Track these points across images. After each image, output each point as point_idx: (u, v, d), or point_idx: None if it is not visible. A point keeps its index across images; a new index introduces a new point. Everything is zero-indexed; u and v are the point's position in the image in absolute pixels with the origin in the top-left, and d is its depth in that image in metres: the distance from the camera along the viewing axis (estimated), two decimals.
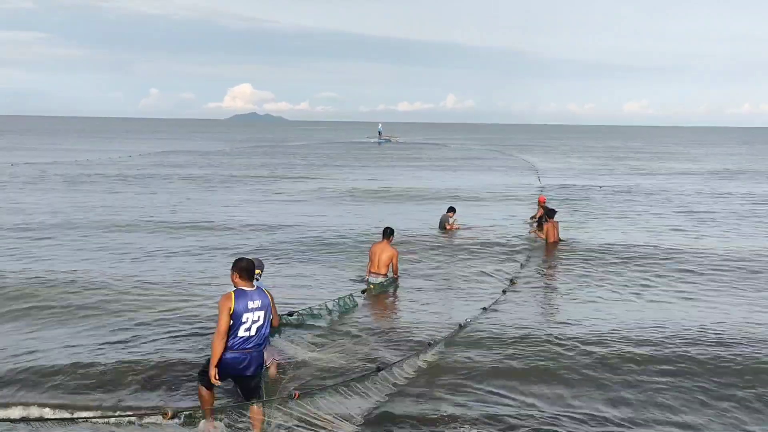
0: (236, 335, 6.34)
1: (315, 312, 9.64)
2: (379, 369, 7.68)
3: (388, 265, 12.71)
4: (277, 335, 8.29)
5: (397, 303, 12.19)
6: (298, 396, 6.43)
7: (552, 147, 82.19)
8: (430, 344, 8.87)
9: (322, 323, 9.98)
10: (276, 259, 15.27)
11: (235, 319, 6.32)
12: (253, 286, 6.55)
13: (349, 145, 78.76)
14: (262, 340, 6.56)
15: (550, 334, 9.87)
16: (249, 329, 6.37)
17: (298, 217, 21.90)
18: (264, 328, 6.52)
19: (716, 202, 27.45)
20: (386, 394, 7.45)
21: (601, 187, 31.84)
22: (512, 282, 13.15)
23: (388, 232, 13.04)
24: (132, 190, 28.96)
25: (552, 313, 11.59)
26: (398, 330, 10.22)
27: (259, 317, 6.43)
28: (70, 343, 9.43)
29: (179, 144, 76.24)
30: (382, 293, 12.40)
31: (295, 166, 45.43)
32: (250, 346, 6.43)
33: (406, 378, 7.87)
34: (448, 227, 18.89)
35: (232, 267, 6.55)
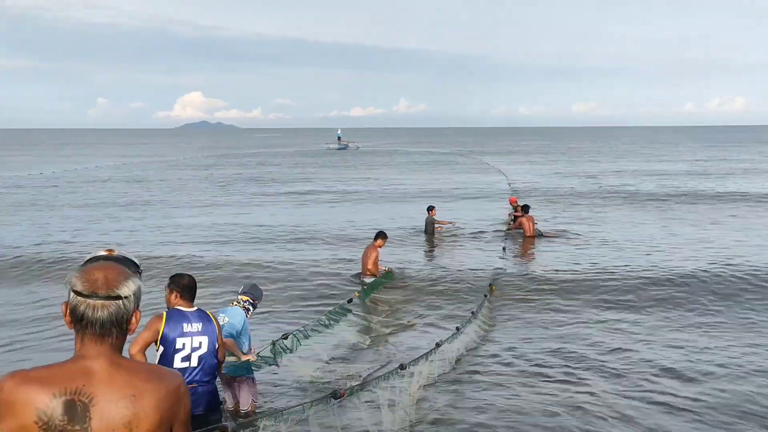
0: (172, 366, 5.18)
1: (310, 332, 8.75)
2: (402, 367, 7.21)
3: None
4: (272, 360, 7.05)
5: (381, 311, 11.60)
6: (344, 394, 5.86)
7: (532, 152, 73.40)
8: (438, 344, 8.26)
9: (318, 340, 9.07)
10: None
11: (167, 346, 5.26)
12: (193, 306, 5.49)
13: (319, 154, 74.13)
14: (209, 372, 5.44)
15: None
16: (188, 358, 5.30)
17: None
18: (209, 357, 5.41)
19: None
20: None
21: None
22: (491, 287, 12.42)
23: (375, 236, 13.29)
24: None
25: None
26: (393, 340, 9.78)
27: (200, 344, 5.35)
28: None
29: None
30: (370, 298, 12.12)
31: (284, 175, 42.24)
32: (193, 379, 5.29)
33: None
34: (437, 227, 18.16)
35: (170, 284, 5.52)
